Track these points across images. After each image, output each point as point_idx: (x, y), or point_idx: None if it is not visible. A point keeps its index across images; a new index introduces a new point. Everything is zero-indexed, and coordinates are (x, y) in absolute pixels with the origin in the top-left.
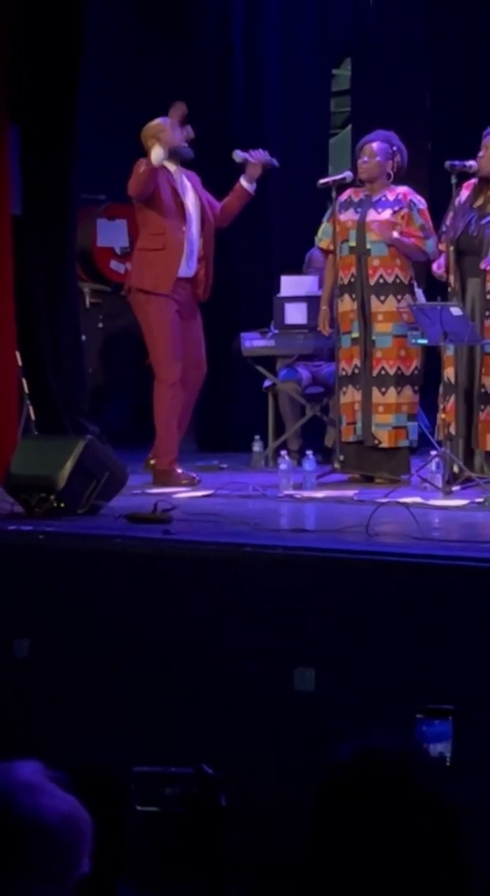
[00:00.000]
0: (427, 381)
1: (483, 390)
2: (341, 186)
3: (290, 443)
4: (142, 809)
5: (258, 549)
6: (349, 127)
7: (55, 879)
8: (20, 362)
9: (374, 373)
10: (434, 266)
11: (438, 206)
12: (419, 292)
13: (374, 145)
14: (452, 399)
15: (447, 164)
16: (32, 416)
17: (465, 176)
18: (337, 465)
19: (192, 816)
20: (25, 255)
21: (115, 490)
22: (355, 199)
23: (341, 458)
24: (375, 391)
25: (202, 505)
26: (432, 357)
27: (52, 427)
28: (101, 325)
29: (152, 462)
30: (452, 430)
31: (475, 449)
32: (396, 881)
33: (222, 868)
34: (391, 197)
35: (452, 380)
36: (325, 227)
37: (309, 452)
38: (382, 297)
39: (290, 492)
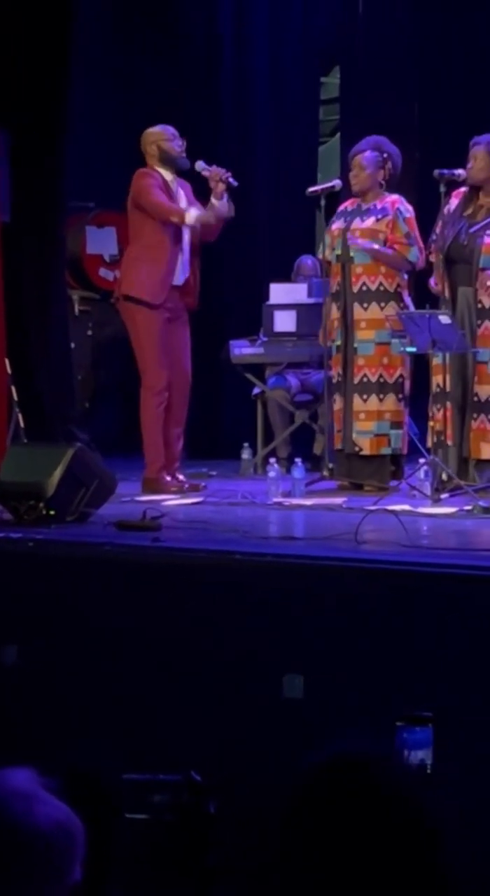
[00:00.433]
0: (416, 389)
1: (476, 399)
2: (330, 195)
3: (279, 450)
4: (131, 817)
5: (247, 556)
6: (338, 135)
7: (48, 887)
8: (9, 370)
9: (356, 380)
10: (430, 282)
11: (427, 214)
12: (409, 300)
13: (364, 157)
14: (441, 407)
15: (436, 172)
16: (22, 424)
17: (453, 184)
18: (326, 473)
19: (182, 823)
20: (14, 263)
21: (105, 498)
22: (349, 209)
23: (330, 465)
24: (357, 398)
25: (191, 512)
26: (422, 365)
27: (42, 435)
28: (90, 332)
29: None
30: (442, 438)
31: (467, 458)
32: (371, 885)
33: (211, 874)
34: (380, 206)
35: (442, 388)
36: (324, 240)
37: (298, 460)
38: (365, 305)
39: (279, 499)
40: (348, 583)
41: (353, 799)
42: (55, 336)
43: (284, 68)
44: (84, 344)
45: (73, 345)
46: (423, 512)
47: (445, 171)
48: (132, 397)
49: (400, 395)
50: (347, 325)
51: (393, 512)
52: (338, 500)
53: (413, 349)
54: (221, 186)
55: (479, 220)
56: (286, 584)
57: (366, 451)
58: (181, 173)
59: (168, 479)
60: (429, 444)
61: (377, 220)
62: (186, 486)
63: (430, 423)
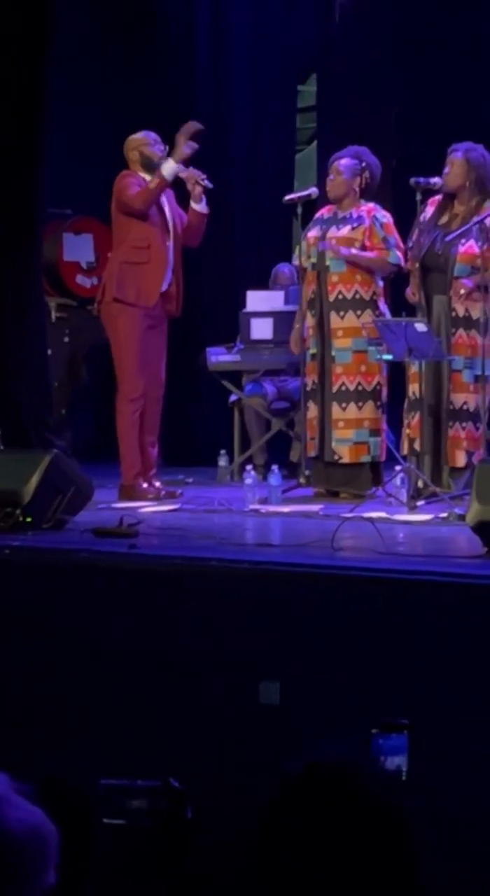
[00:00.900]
0: (392, 396)
1: (451, 407)
2: (307, 203)
3: (256, 457)
4: (109, 822)
5: (224, 563)
6: (315, 143)
7: (21, 891)
8: None
9: (334, 388)
10: (407, 291)
11: (403, 221)
12: (385, 308)
13: (341, 163)
14: (417, 415)
15: (412, 180)
16: None
17: (429, 193)
18: (302, 480)
19: (159, 829)
20: None
21: (81, 504)
22: (326, 217)
23: (307, 472)
24: (336, 406)
25: (168, 519)
26: (398, 373)
27: (18, 441)
28: (66, 339)
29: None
30: (417, 445)
31: (443, 465)
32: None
33: (189, 880)
34: (356, 214)
35: (419, 395)
36: (300, 246)
37: (274, 467)
38: (342, 313)
39: (256, 506)
40: (324, 590)
41: (331, 805)
42: (32, 343)
43: (261, 77)
44: (61, 351)
45: (50, 351)
46: (399, 519)
47: (421, 180)
48: (108, 404)
49: (378, 403)
50: (324, 333)
51: (369, 519)
52: (314, 508)
53: (389, 357)
54: (199, 189)
55: (454, 228)
56: (262, 591)
57: (345, 459)
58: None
59: (144, 485)
60: (404, 451)
61: (353, 228)
62: (163, 492)
63: (406, 431)
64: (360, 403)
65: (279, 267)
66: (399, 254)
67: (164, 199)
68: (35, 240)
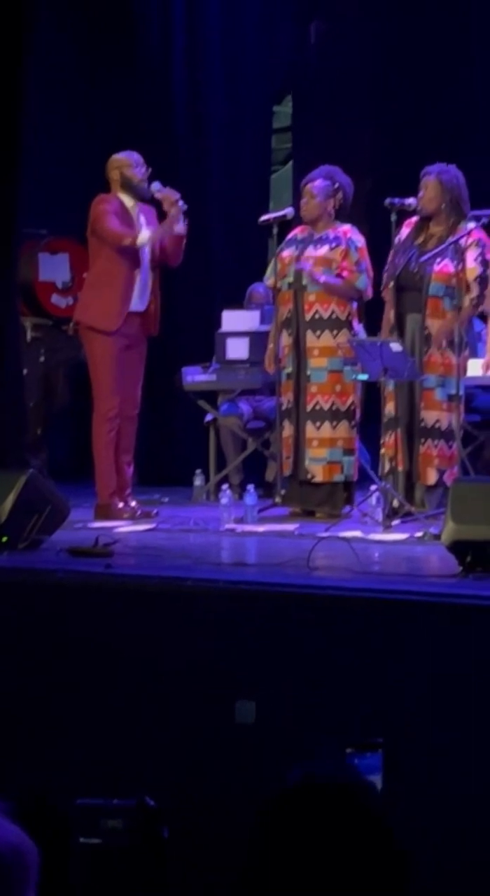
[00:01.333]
0: (368, 416)
1: (422, 424)
2: (283, 223)
3: (232, 477)
4: (85, 841)
5: (199, 582)
6: (290, 163)
7: None
8: None
9: (309, 407)
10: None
11: (378, 242)
12: (359, 328)
13: (314, 185)
14: (393, 434)
15: (387, 201)
16: None
17: (404, 213)
18: (278, 500)
19: (135, 848)
20: None
21: (57, 524)
22: (300, 237)
23: (282, 492)
24: (310, 425)
25: (143, 539)
26: (373, 392)
27: None
28: (42, 358)
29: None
30: (393, 464)
31: (415, 483)
32: None
33: None
34: (333, 234)
35: (395, 414)
36: (272, 265)
37: (250, 486)
38: (318, 333)
39: (232, 526)
40: (300, 609)
41: (324, 823)
42: (7, 363)
43: (238, 97)
44: (36, 370)
45: (25, 371)
46: (375, 538)
47: (396, 200)
48: (84, 424)
49: (352, 423)
50: (300, 352)
51: (344, 539)
52: (290, 527)
53: (365, 376)
54: (175, 210)
55: (430, 248)
56: (238, 611)
57: (319, 479)
58: (145, 200)
59: (120, 505)
60: (381, 471)
61: (331, 248)
62: (139, 512)
63: (382, 451)
64: (335, 423)
65: (254, 286)
66: (367, 280)
67: (142, 219)
68: (11, 260)
